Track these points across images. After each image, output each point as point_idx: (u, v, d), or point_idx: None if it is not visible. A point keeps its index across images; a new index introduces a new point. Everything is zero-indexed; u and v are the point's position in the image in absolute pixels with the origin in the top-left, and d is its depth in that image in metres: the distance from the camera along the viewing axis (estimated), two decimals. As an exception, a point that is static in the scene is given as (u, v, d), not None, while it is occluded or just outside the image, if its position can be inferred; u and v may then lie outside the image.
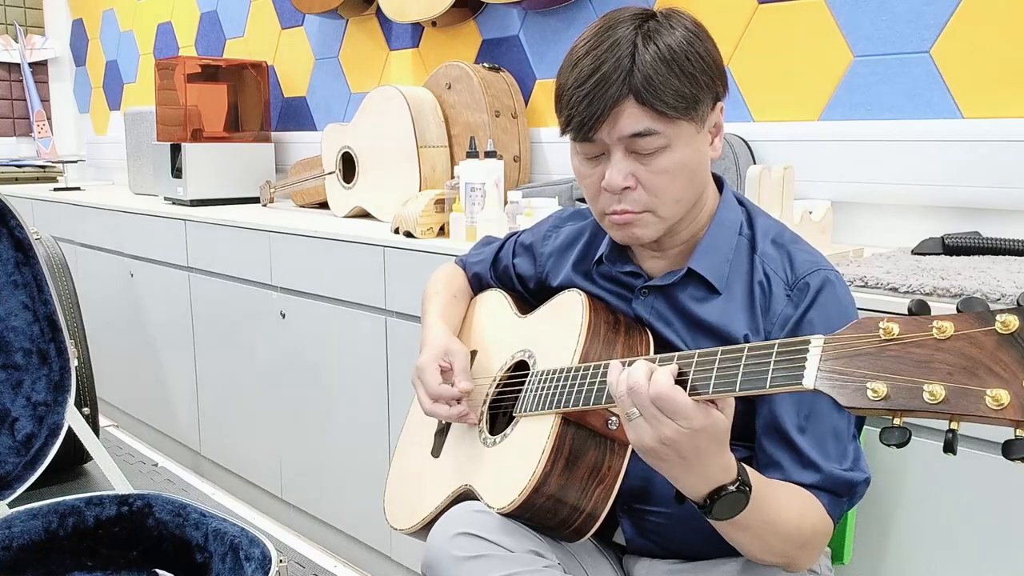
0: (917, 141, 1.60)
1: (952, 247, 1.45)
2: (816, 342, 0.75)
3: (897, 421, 0.68)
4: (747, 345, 0.81)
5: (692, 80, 0.96)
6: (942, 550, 1.20)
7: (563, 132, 1.03)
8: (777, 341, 0.79)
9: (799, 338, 0.77)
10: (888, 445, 0.68)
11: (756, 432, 1.00)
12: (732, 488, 0.86)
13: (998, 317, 0.64)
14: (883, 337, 0.70)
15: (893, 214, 1.67)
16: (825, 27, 1.73)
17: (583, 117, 0.97)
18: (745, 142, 1.81)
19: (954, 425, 0.66)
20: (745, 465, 0.90)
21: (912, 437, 0.69)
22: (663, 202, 1.00)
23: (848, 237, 1.72)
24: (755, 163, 1.78)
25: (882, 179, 1.65)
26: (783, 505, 0.93)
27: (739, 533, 0.91)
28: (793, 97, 1.80)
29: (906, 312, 0.70)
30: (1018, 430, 0.63)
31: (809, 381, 0.74)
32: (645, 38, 0.96)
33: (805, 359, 0.75)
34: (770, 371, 0.78)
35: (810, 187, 1.75)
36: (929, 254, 1.46)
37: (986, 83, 1.53)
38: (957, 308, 0.67)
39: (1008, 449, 0.63)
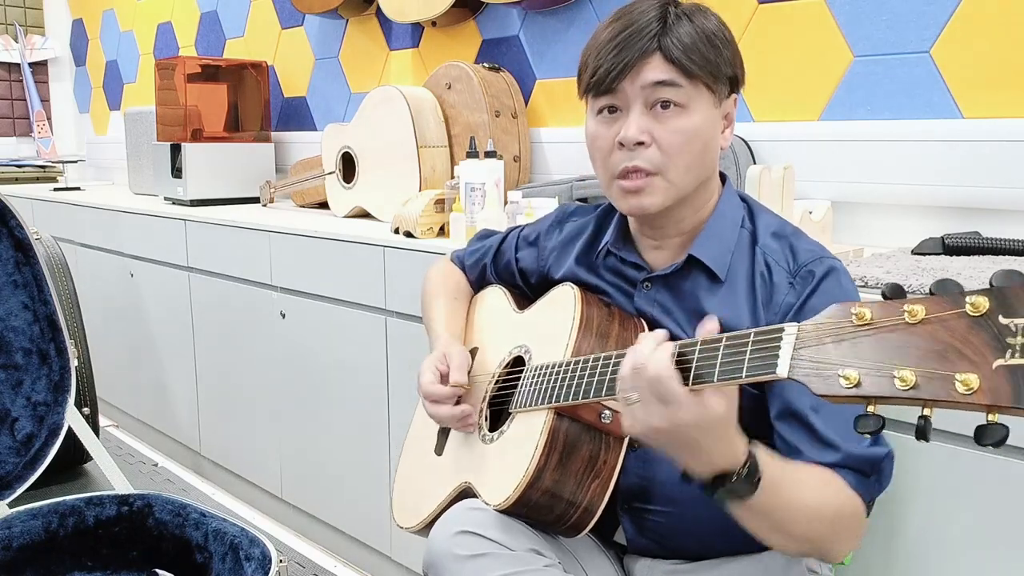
0: (917, 141, 1.60)
1: (952, 247, 1.45)
2: (790, 330, 0.74)
3: (871, 409, 0.67)
4: (725, 335, 0.80)
5: (716, 51, 1.01)
6: (942, 550, 1.20)
7: (584, 91, 1.06)
8: (753, 330, 0.78)
9: (774, 326, 0.76)
10: (862, 434, 0.67)
11: (772, 422, 0.98)
12: (737, 475, 0.83)
13: (968, 299, 0.62)
14: (856, 323, 0.68)
15: (893, 214, 1.67)
16: (825, 27, 1.73)
17: (610, 65, 1.01)
18: (745, 142, 1.81)
19: (927, 412, 0.64)
20: (762, 448, 0.87)
21: (910, 435, 0.68)
22: (674, 165, 1.02)
23: (848, 237, 1.72)
24: (755, 163, 1.78)
25: (882, 179, 1.65)
26: (803, 485, 0.89)
27: (754, 519, 0.88)
28: (793, 97, 1.80)
29: (881, 298, 0.68)
30: (989, 415, 0.61)
31: (783, 369, 0.73)
32: (675, 13, 1.02)
33: (779, 347, 0.74)
34: (746, 360, 0.77)
35: (810, 187, 1.75)
36: (929, 254, 1.46)
37: (986, 83, 1.53)
38: (930, 291, 0.66)
39: (979, 435, 0.61)
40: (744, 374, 0.76)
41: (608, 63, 1.01)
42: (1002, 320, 0.61)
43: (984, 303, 0.62)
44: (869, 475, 0.94)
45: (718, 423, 0.81)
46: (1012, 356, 0.60)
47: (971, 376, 0.61)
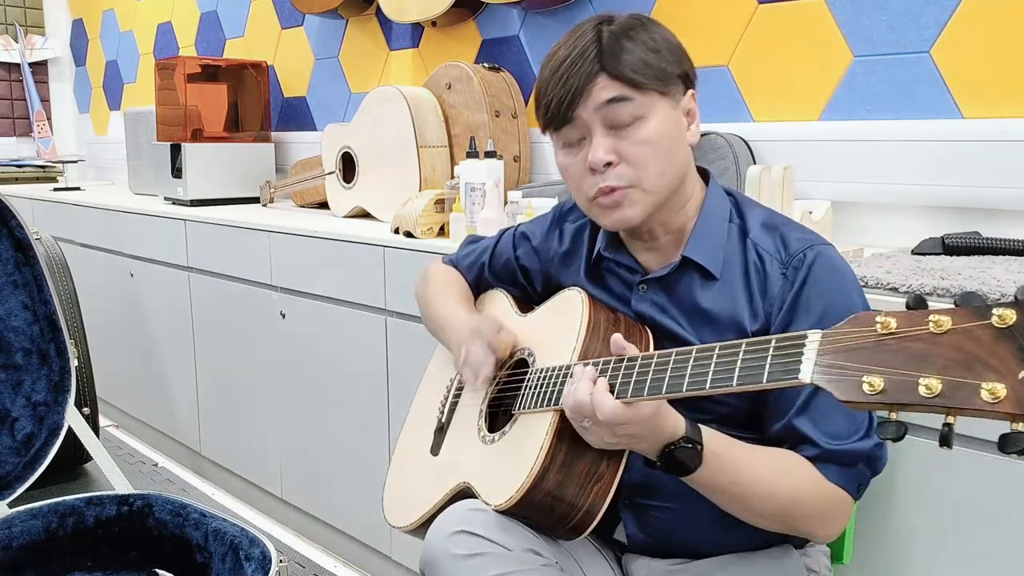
0: (917, 141, 1.60)
1: (952, 247, 1.45)
2: (813, 336, 0.75)
3: (893, 415, 0.68)
4: (744, 340, 0.82)
5: (656, 53, 1.03)
6: (941, 549, 1.20)
7: (545, 126, 1.10)
8: (774, 336, 0.80)
9: (796, 332, 0.78)
10: (884, 439, 0.68)
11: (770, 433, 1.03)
12: (679, 445, 0.93)
13: (995, 311, 0.65)
14: (880, 331, 0.70)
15: (893, 214, 1.67)
16: (825, 27, 1.73)
17: (560, 97, 1.04)
18: (745, 142, 1.81)
19: (950, 419, 0.66)
20: (708, 429, 0.96)
21: (910, 435, 0.69)
22: (647, 175, 1.03)
23: (848, 237, 1.72)
24: (755, 163, 1.78)
25: (882, 179, 1.65)
26: (756, 465, 0.96)
27: (712, 493, 0.97)
28: (793, 97, 1.79)
29: (904, 308, 0.70)
30: (1014, 423, 0.63)
31: (806, 375, 0.74)
32: (609, 31, 1.04)
33: (802, 353, 0.75)
34: (767, 366, 0.78)
35: (810, 187, 1.75)
36: (929, 254, 1.46)
37: (986, 83, 1.53)
38: (955, 302, 0.67)
39: (1004, 443, 0.63)
40: (765, 379, 0.77)
41: (558, 95, 1.04)
42: None
43: (1011, 315, 0.64)
44: (851, 466, 0.98)
45: (656, 418, 0.93)
46: None
47: (998, 385, 0.63)
